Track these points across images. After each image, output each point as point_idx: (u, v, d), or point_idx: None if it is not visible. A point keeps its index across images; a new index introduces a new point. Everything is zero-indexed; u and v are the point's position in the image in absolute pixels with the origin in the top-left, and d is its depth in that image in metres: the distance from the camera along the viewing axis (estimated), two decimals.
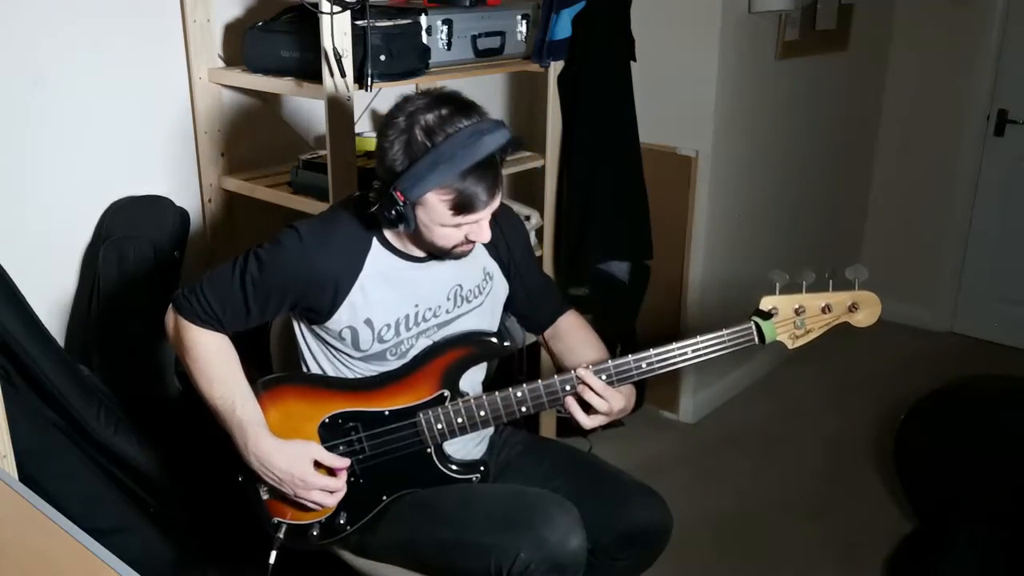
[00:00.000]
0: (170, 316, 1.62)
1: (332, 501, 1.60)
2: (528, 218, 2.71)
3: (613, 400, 1.61)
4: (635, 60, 2.74)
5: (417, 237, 1.54)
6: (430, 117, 1.42)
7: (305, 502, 1.59)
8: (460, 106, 1.45)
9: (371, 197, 1.51)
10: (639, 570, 1.76)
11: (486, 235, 1.53)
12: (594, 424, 1.63)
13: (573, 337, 1.82)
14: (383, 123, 1.48)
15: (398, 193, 1.43)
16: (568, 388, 1.61)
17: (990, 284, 3.84)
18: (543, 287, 1.87)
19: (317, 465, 1.58)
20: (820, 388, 3.44)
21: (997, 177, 3.72)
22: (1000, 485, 2.37)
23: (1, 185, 2.10)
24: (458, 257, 1.59)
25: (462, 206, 1.45)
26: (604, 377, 1.60)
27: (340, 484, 1.60)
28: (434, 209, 1.46)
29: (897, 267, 3.95)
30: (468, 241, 1.54)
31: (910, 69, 3.78)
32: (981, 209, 3.79)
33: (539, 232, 2.78)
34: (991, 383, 2.68)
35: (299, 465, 1.55)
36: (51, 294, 2.24)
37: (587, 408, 1.61)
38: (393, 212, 1.45)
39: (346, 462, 1.61)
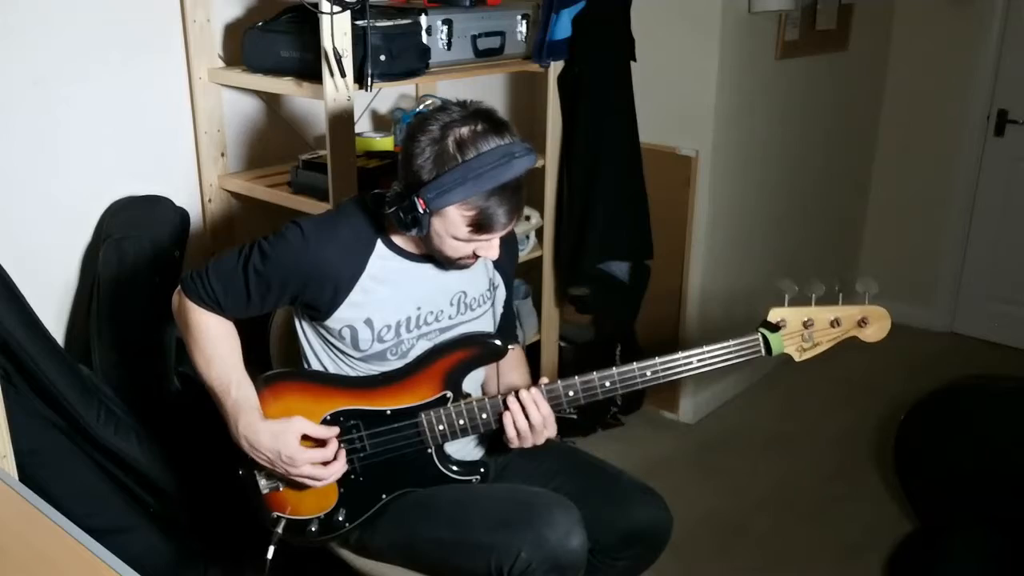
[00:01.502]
0: (176, 296, 1.65)
1: (326, 473, 1.58)
2: (528, 218, 2.71)
3: (541, 432, 1.60)
4: (635, 60, 2.74)
5: (425, 241, 1.54)
6: (464, 131, 1.43)
7: (302, 480, 1.58)
8: (495, 125, 1.45)
9: (387, 197, 1.51)
10: (639, 570, 1.76)
11: (495, 254, 1.55)
12: (519, 444, 1.61)
13: (508, 363, 1.77)
14: (415, 126, 1.47)
15: (421, 201, 1.43)
16: (571, 394, 1.61)
17: (990, 284, 3.84)
18: (508, 313, 1.86)
19: (308, 441, 1.57)
20: (820, 388, 3.44)
21: (997, 177, 3.72)
22: (1000, 485, 2.37)
23: (1, 185, 2.10)
24: (459, 268, 1.60)
25: (481, 225, 1.46)
26: (608, 384, 1.60)
27: (330, 453, 1.58)
28: (452, 223, 1.47)
29: (897, 267, 3.95)
30: (475, 256, 1.54)
31: (910, 69, 3.78)
32: (981, 209, 3.79)
33: (539, 232, 2.78)
34: (991, 383, 2.67)
35: (284, 441, 1.54)
36: (51, 294, 2.24)
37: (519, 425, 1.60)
38: (410, 217, 1.46)
39: (333, 431, 1.60)
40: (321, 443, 1.59)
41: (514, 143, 1.45)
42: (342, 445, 1.62)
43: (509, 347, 1.74)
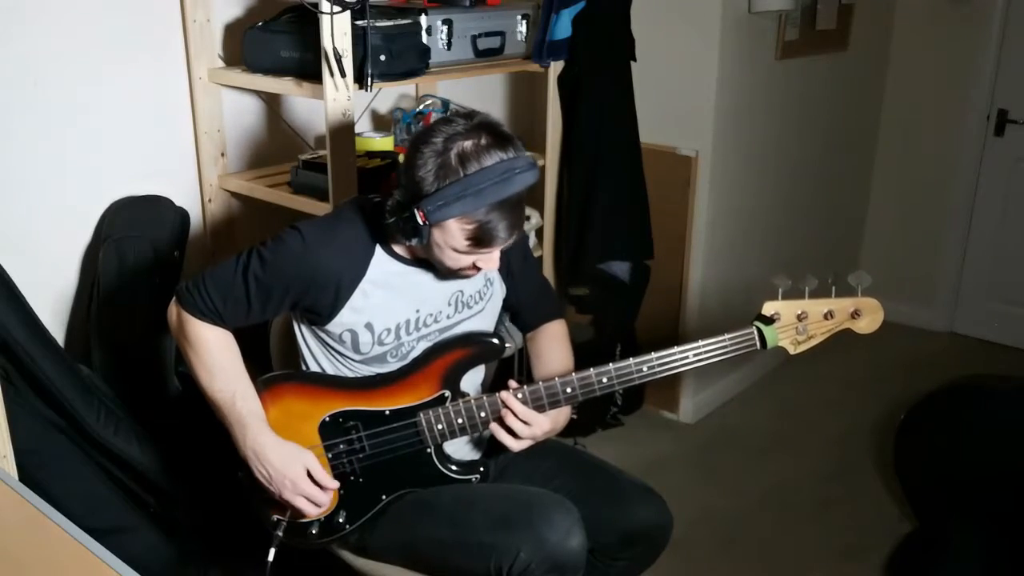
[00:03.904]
0: (172, 308, 1.63)
1: (314, 512, 1.61)
2: (528, 218, 2.72)
3: (536, 424, 1.61)
4: (635, 60, 2.74)
5: (426, 250, 1.54)
6: (468, 144, 1.42)
7: (288, 504, 1.59)
8: (499, 138, 1.45)
9: (388, 206, 1.51)
10: (639, 570, 1.76)
11: (495, 266, 1.54)
12: (521, 447, 1.63)
13: (544, 346, 1.82)
14: (420, 135, 1.47)
15: (420, 213, 1.43)
16: (569, 391, 1.61)
17: (990, 284, 3.84)
18: (538, 291, 1.87)
19: (309, 476, 1.59)
20: (820, 388, 3.44)
21: (997, 177, 3.72)
22: (1000, 485, 2.37)
23: (2, 185, 2.10)
24: (459, 278, 1.60)
25: (480, 239, 1.46)
26: (605, 380, 1.60)
27: (326, 500, 1.61)
28: (452, 235, 1.47)
29: (897, 267, 3.95)
30: (475, 267, 1.54)
31: (910, 69, 3.78)
32: (981, 209, 3.80)
33: (539, 232, 2.78)
34: (991, 383, 2.68)
35: (293, 467, 1.56)
36: (51, 294, 2.24)
37: (511, 431, 1.61)
38: (410, 227, 1.46)
39: (335, 484, 1.62)
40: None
41: (517, 158, 1.45)
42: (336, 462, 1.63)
43: (552, 322, 1.82)
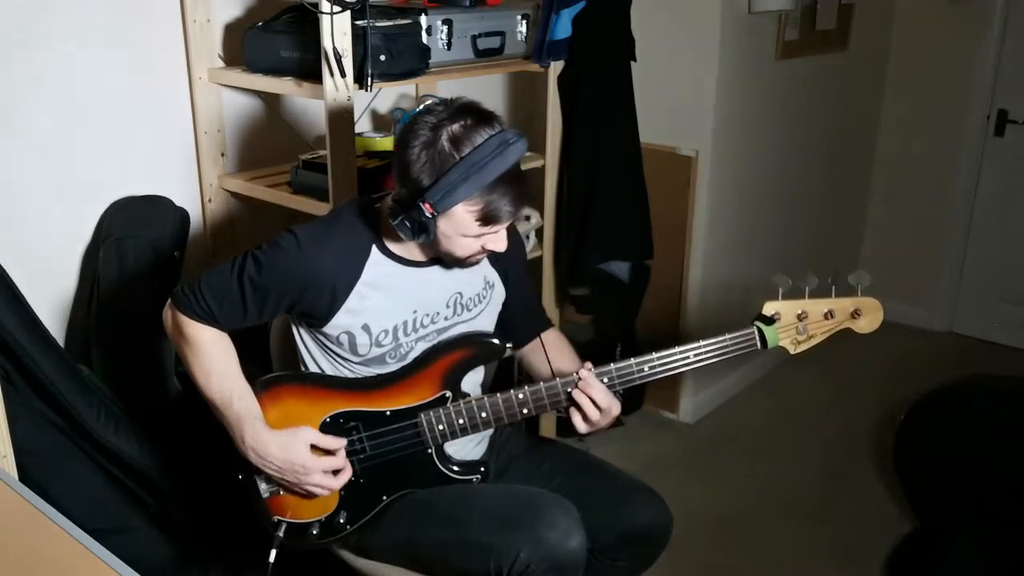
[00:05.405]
0: (168, 312, 1.63)
1: (336, 483, 1.59)
2: (528, 218, 2.71)
3: (613, 406, 1.61)
4: (635, 60, 2.74)
5: (432, 246, 1.54)
6: (455, 127, 1.42)
7: (311, 489, 1.58)
8: (482, 116, 1.45)
9: (390, 208, 1.51)
10: (639, 570, 1.76)
11: (503, 244, 1.54)
12: (589, 429, 1.62)
13: (555, 350, 1.80)
14: (404, 133, 1.47)
15: (427, 205, 1.42)
16: (569, 391, 1.61)
17: (990, 284, 3.84)
18: (531, 302, 1.88)
19: (315, 449, 1.58)
20: (820, 388, 3.44)
21: (997, 177, 3.72)
22: (999, 485, 2.37)
23: (2, 185, 2.10)
24: (469, 266, 1.60)
25: (489, 217, 1.46)
26: (606, 380, 1.60)
27: (340, 462, 1.59)
28: (459, 220, 1.46)
29: (897, 267, 3.95)
30: (483, 251, 1.54)
31: (910, 69, 3.78)
32: (981, 209, 3.80)
33: (539, 232, 2.78)
34: (991, 383, 2.68)
35: (294, 451, 1.55)
36: (51, 294, 2.24)
37: (583, 413, 1.61)
38: (416, 224, 1.45)
39: (342, 442, 1.60)
40: (327, 451, 1.59)
41: (505, 131, 1.44)
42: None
43: (547, 331, 1.81)
